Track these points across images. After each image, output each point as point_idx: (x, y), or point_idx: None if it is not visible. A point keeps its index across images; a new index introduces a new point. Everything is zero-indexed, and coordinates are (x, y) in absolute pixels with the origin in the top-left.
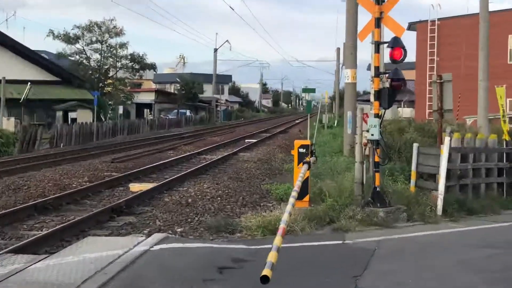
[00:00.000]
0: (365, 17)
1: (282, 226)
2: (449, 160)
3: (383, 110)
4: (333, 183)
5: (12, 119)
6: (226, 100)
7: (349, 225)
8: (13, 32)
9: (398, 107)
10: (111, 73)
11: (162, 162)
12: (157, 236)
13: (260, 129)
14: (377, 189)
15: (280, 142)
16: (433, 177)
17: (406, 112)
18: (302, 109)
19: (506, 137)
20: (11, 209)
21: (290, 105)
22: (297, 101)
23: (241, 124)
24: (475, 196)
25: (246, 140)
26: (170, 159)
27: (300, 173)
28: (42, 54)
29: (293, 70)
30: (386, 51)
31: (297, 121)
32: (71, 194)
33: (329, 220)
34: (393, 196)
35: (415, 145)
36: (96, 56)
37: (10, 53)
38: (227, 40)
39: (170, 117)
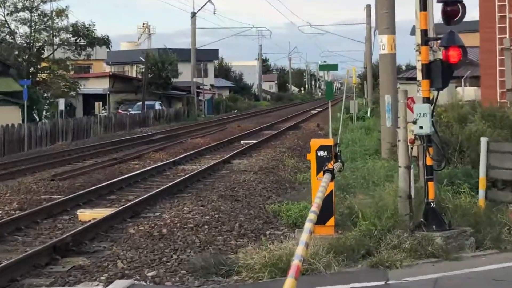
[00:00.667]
0: None
1: (295, 263)
2: None
3: (436, 92)
4: (368, 198)
5: None
6: (212, 86)
7: (393, 258)
8: None
9: (456, 87)
10: (46, 53)
11: (123, 177)
12: (119, 284)
13: (262, 124)
14: (432, 205)
15: (290, 142)
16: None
17: (468, 93)
18: (320, 94)
19: None
20: None
21: (302, 89)
22: (313, 83)
23: (234, 118)
24: None
25: (242, 142)
26: (134, 173)
27: (321, 186)
28: None
29: (305, 39)
30: (436, 8)
31: (313, 112)
32: None
33: (365, 252)
34: (455, 214)
35: (484, 140)
36: (24, 29)
37: None
38: (209, 0)
39: (132, 112)
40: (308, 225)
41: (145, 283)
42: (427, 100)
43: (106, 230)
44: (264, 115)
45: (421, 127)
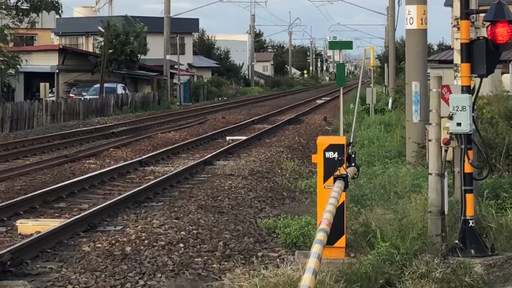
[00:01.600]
0: None
1: None
2: None
3: (478, 80)
4: (389, 213)
5: None
6: (190, 66)
7: None
8: None
9: (503, 73)
10: None
11: (75, 179)
12: None
13: (253, 116)
14: (470, 224)
15: (289, 140)
16: None
17: None
18: (328, 78)
19: None
20: None
21: (305, 72)
22: (319, 64)
23: (217, 107)
24: None
25: (228, 138)
26: (90, 174)
27: (331, 197)
28: None
29: (309, 9)
30: None
31: (319, 101)
32: None
33: (384, 282)
34: (499, 235)
35: None
36: None
37: None
38: None
39: (87, 97)
40: (316, 248)
41: None
42: (467, 89)
43: (54, 247)
44: (257, 105)
45: (459, 124)
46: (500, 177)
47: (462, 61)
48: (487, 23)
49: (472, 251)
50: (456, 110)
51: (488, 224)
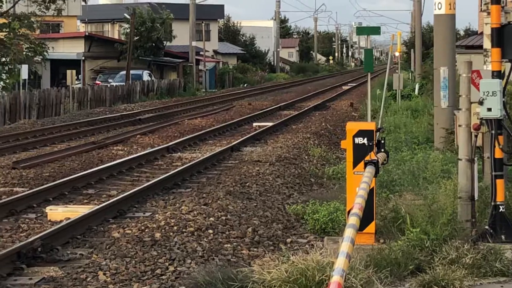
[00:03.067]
0: None
1: (336, 280)
2: None
3: (509, 64)
4: (418, 199)
5: None
6: (215, 52)
7: (451, 276)
8: None
9: None
10: (4, 7)
11: (104, 166)
12: None
13: (279, 102)
14: (501, 209)
15: (316, 126)
16: None
17: None
18: (353, 64)
19: None
20: None
21: (331, 58)
22: (344, 50)
23: (243, 93)
24: None
25: (254, 124)
26: (118, 161)
27: (362, 181)
28: None
29: None
30: None
31: (344, 87)
32: None
33: (414, 268)
34: None
35: None
36: None
37: None
38: None
39: (114, 84)
40: (349, 232)
41: None
42: (497, 74)
43: (84, 233)
44: (282, 91)
45: (489, 109)
46: None
47: (492, 46)
48: None
49: (503, 237)
50: (487, 95)
51: None
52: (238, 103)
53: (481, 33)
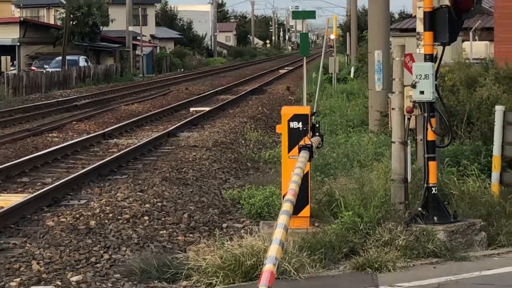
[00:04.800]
0: None
1: (268, 268)
2: None
3: (441, 47)
4: (352, 182)
5: None
6: (152, 37)
7: (384, 258)
8: None
9: (463, 41)
10: None
11: (38, 153)
12: None
13: (216, 87)
14: (433, 191)
15: (252, 110)
16: None
17: (478, 49)
18: (290, 48)
19: None
20: None
21: (268, 42)
22: (281, 34)
23: (180, 78)
24: None
25: (191, 109)
26: (53, 148)
27: (296, 167)
28: None
29: None
30: None
31: (281, 71)
32: None
33: (348, 251)
34: (461, 202)
35: (499, 109)
36: None
37: None
38: None
39: (49, 69)
40: (283, 218)
41: None
42: (430, 57)
43: (17, 222)
44: (220, 75)
45: (422, 92)
46: (461, 144)
47: (425, 30)
48: None
49: (435, 218)
50: (419, 79)
51: (451, 191)
52: (176, 88)
53: (415, 16)
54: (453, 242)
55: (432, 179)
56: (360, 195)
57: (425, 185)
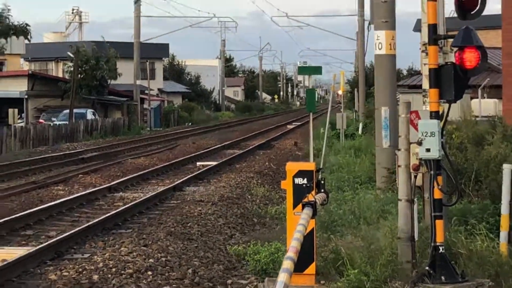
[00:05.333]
0: None
1: None
2: None
3: (447, 105)
4: (358, 240)
5: None
6: (160, 91)
7: None
8: None
9: (472, 98)
10: None
11: (43, 206)
12: None
13: (224, 141)
14: (440, 250)
15: (260, 165)
16: None
17: (486, 106)
18: (298, 103)
19: None
20: None
21: (276, 97)
22: (289, 89)
23: (188, 132)
24: None
25: (198, 164)
26: (58, 201)
27: (299, 224)
28: None
29: (280, 34)
30: None
31: (289, 126)
32: None
33: None
34: (469, 262)
35: (507, 168)
36: None
37: None
38: None
39: (57, 122)
40: (283, 276)
41: None
42: (436, 115)
43: (19, 276)
44: (227, 130)
45: (428, 150)
46: (469, 202)
47: (430, 87)
48: (455, 49)
49: (443, 278)
50: (425, 136)
51: (458, 250)
52: (183, 142)
53: (422, 73)
54: None
55: (439, 238)
56: (366, 253)
57: (432, 244)
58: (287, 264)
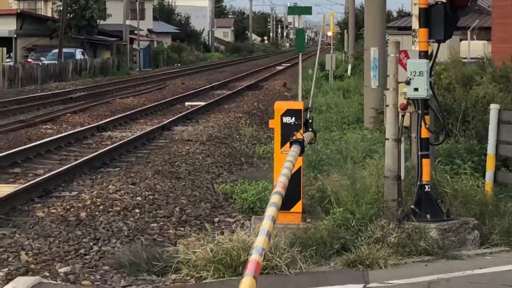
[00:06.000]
0: None
1: (255, 258)
2: None
3: (436, 45)
4: (345, 179)
5: None
6: (150, 31)
7: (376, 255)
8: None
9: (461, 40)
10: None
11: (31, 145)
12: (22, 281)
13: (213, 82)
14: (426, 189)
15: (248, 105)
16: None
17: (475, 47)
18: (288, 45)
19: None
20: None
21: (266, 38)
22: (279, 31)
23: (177, 73)
24: None
25: (186, 104)
26: (46, 139)
27: (287, 160)
28: None
29: None
30: None
31: (279, 68)
32: None
33: (340, 247)
34: (455, 201)
35: (494, 108)
36: None
37: None
38: None
39: (46, 62)
40: (271, 210)
41: (55, 282)
42: (424, 54)
43: (7, 213)
44: (216, 71)
45: (416, 89)
46: (456, 142)
47: (420, 26)
48: None
49: (428, 216)
50: (414, 75)
51: (444, 189)
52: (172, 83)
53: (412, 14)
54: (445, 241)
55: (426, 177)
56: (352, 191)
57: (418, 183)
58: (274, 198)
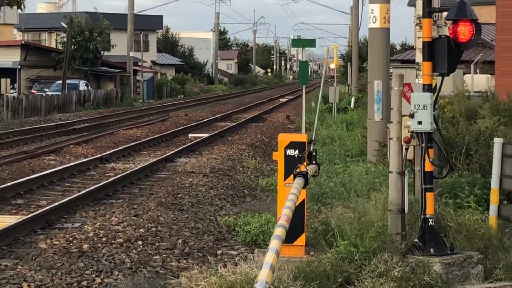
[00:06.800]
0: None
1: None
2: None
3: (440, 78)
4: (349, 212)
5: None
6: (154, 63)
7: None
8: None
9: (465, 73)
10: None
11: (34, 176)
12: None
13: (216, 113)
14: (430, 223)
15: (251, 138)
16: None
17: (479, 81)
18: (291, 77)
19: None
20: None
21: (269, 70)
22: (283, 63)
23: (180, 105)
24: None
25: (190, 135)
26: (49, 171)
27: (290, 193)
28: None
29: (274, 7)
30: None
31: (282, 100)
32: None
33: (343, 281)
34: (459, 235)
35: (498, 142)
36: None
37: None
38: None
39: (49, 93)
40: (274, 243)
41: None
42: (428, 88)
43: (10, 244)
44: (220, 102)
45: (420, 123)
46: (460, 176)
47: (423, 60)
48: (449, 22)
49: (432, 250)
50: (418, 109)
51: (448, 223)
52: (175, 114)
53: (416, 48)
54: (449, 275)
55: (429, 211)
56: (356, 225)
57: (422, 216)
58: (278, 231)
